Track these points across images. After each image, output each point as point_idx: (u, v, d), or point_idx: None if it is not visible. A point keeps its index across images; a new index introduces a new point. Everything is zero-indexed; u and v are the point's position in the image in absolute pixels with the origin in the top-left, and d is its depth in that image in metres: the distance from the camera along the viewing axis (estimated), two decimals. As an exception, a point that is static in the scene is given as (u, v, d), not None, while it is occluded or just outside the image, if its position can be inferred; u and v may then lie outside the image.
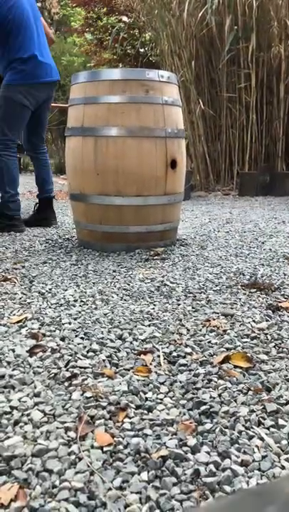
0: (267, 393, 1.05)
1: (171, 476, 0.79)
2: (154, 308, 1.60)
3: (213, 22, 5.30)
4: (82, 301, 1.67)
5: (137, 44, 7.98)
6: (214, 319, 1.50)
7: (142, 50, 8.27)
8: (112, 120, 2.35)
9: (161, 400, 1.03)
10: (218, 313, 1.55)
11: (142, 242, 2.49)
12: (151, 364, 1.19)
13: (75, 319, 1.49)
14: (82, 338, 1.34)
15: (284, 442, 0.88)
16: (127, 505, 0.73)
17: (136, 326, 1.43)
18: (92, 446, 0.86)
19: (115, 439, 0.88)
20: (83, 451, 0.85)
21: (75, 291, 1.78)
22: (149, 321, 1.48)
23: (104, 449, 0.85)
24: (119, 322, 1.47)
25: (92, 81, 2.43)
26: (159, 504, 0.74)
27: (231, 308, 1.61)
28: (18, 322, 1.46)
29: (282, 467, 0.82)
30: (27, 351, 1.24)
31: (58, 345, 1.28)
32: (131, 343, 1.32)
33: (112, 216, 2.42)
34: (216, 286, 1.87)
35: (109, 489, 0.76)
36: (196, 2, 5.42)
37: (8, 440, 0.87)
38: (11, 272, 2.04)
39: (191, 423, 0.94)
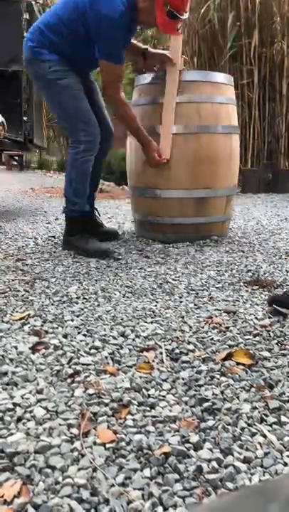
0: (269, 390, 1.05)
1: (174, 473, 0.79)
2: (156, 306, 1.60)
3: (215, 18, 5.28)
4: (84, 298, 1.67)
5: (140, 40, 7.95)
6: (216, 316, 1.49)
7: (144, 46, 8.23)
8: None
9: (164, 396, 1.03)
10: (220, 310, 1.55)
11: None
12: (153, 361, 1.19)
13: (77, 316, 1.49)
14: (84, 335, 1.35)
15: (286, 439, 0.88)
16: (129, 502, 0.73)
17: (138, 323, 1.44)
18: (95, 443, 0.86)
19: (118, 435, 0.88)
20: (86, 447, 0.85)
21: (78, 288, 1.78)
22: (152, 318, 1.49)
23: (107, 445, 0.86)
24: (122, 319, 1.47)
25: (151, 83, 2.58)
26: (161, 500, 0.74)
27: (234, 305, 1.61)
28: (20, 319, 1.46)
29: (285, 464, 0.83)
30: (30, 348, 1.25)
31: (60, 342, 1.29)
32: (133, 340, 1.32)
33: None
34: (219, 283, 1.87)
35: (112, 486, 0.76)
36: (198, -2, 5.41)
37: (11, 437, 0.87)
38: (14, 269, 2.04)
39: (193, 420, 0.94)
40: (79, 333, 1.36)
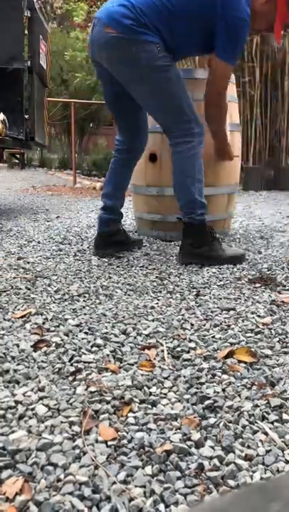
0: (271, 388, 1.05)
1: (175, 470, 0.80)
2: (157, 303, 1.60)
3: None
4: (86, 296, 1.68)
5: None
6: (218, 314, 1.49)
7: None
8: None
9: (165, 394, 1.03)
10: (222, 308, 1.55)
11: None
12: (155, 359, 1.19)
13: (79, 314, 1.49)
14: (86, 333, 1.35)
15: (288, 437, 0.89)
16: (131, 499, 0.73)
17: (140, 321, 1.44)
18: (97, 441, 0.86)
19: (119, 433, 0.88)
20: (88, 445, 0.85)
21: (79, 286, 1.79)
22: (153, 316, 1.49)
23: (109, 443, 0.86)
24: (123, 317, 1.47)
25: None
26: (163, 498, 0.74)
27: (235, 303, 1.61)
28: (22, 317, 1.46)
29: (287, 462, 0.83)
30: (31, 346, 1.25)
31: (62, 340, 1.29)
32: (135, 337, 1.32)
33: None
34: (220, 281, 1.87)
35: (114, 483, 0.76)
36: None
37: (13, 434, 0.87)
38: (16, 267, 2.05)
39: (195, 417, 0.94)
40: (80, 331, 1.36)
